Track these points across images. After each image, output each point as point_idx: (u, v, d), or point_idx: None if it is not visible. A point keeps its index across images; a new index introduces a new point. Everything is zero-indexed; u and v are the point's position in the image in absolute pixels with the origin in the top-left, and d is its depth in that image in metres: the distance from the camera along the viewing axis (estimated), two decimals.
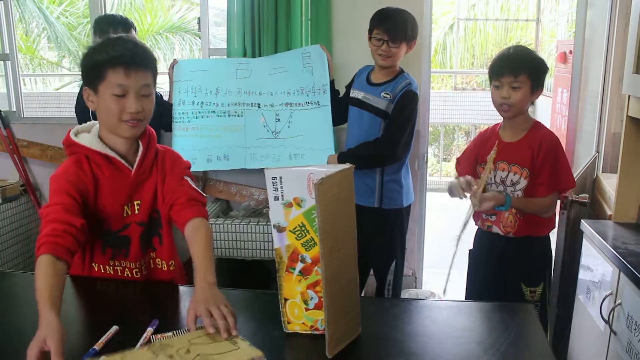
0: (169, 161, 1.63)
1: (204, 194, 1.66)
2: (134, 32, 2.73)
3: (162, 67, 2.98)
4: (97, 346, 1.28)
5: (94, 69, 1.47)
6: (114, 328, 1.36)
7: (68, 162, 1.54)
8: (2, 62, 3.78)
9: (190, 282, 2.95)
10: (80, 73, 1.53)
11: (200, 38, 3.46)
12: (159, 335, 1.33)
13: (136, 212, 1.60)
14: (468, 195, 2.03)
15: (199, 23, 3.39)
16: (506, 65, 2.00)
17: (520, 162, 2.06)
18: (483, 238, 2.23)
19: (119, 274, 1.65)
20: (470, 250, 2.31)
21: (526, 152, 2.04)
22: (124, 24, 2.71)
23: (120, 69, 1.44)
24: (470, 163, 2.21)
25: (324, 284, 1.21)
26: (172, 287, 1.70)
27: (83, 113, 2.66)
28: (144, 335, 1.33)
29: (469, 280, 2.32)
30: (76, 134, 1.57)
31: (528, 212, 2.06)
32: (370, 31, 2.45)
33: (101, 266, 1.64)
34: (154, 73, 1.53)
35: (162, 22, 8.11)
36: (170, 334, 1.34)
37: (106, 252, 1.63)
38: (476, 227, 2.28)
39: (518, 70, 1.97)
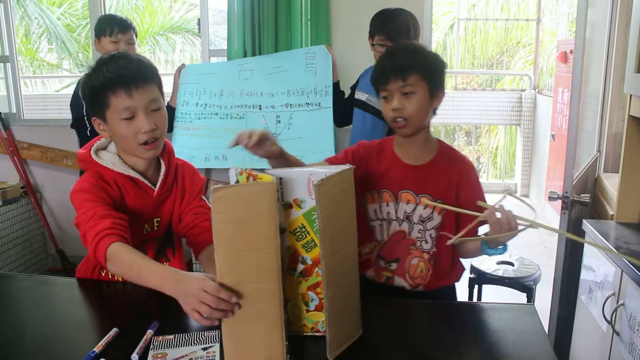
0: (189, 179, 1.62)
1: None
2: (133, 33, 2.72)
3: (163, 68, 2.99)
4: (97, 349, 1.28)
5: (95, 97, 1.42)
6: (114, 330, 1.35)
7: (89, 176, 1.48)
8: (2, 64, 3.79)
9: None
10: (80, 82, 1.52)
11: (200, 38, 3.46)
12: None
13: (155, 228, 1.58)
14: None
15: (198, 24, 3.39)
16: (391, 69, 1.51)
17: (433, 193, 1.57)
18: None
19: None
20: None
21: (439, 180, 1.58)
22: (122, 24, 2.70)
23: (122, 91, 1.38)
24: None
25: (325, 285, 1.20)
26: None
27: (77, 109, 2.65)
28: (144, 337, 1.32)
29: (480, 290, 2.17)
30: (96, 152, 1.51)
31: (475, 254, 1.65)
32: (372, 35, 2.42)
33: (110, 274, 1.62)
34: (159, 84, 1.48)
35: (162, 22, 8.11)
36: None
37: None
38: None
39: (406, 71, 1.50)
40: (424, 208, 1.58)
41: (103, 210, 1.39)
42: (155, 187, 1.52)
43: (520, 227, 1.36)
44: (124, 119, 1.40)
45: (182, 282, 1.21)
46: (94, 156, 1.50)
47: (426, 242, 1.60)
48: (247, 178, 1.22)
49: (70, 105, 2.76)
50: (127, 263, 1.32)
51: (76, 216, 1.43)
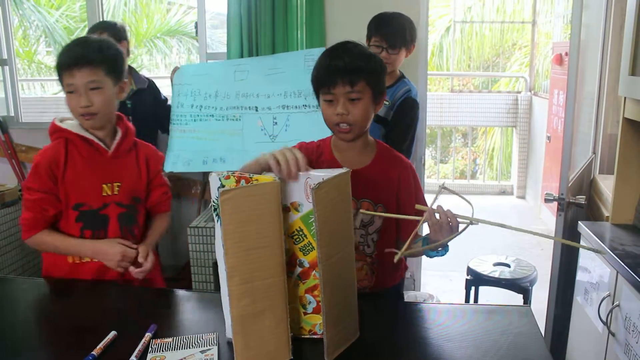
0: (152, 157, 1.88)
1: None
2: (125, 41, 2.72)
3: (162, 72, 2.99)
4: (96, 352, 1.28)
5: (57, 72, 1.67)
6: (112, 333, 1.36)
7: (50, 147, 1.74)
8: (0, 67, 3.78)
9: (188, 285, 2.95)
10: None
11: (197, 41, 3.46)
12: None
13: (115, 192, 1.75)
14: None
15: (196, 27, 3.39)
16: (339, 73, 1.45)
17: (374, 197, 1.56)
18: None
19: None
20: None
21: (379, 183, 1.57)
22: (112, 29, 2.69)
23: (67, 70, 1.63)
24: None
25: (322, 288, 1.22)
26: (171, 292, 1.70)
27: None
28: (142, 340, 1.33)
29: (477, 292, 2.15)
30: (61, 121, 1.75)
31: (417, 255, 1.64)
32: (369, 38, 2.44)
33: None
34: (109, 66, 1.68)
35: (159, 25, 8.11)
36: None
37: (85, 235, 1.73)
38: None
39: (355, 77, 1.45)
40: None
41: (34, 195, 1.69)
42: (110, 149, 1.75)
43: (461, 226, 1.33)
44: (68, 92, 1.66)
45: (105, 255, 1.69)
46: (58, 123, 1.74)
47: (368, 247, 1.59)
48: (238, 181, 1.24)
49: None
50: (51, 247, 1.73)
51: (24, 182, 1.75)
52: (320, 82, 1.51)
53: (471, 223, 1.31)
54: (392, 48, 2.37)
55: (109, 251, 1.68)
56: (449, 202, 1.36)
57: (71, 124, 1.73)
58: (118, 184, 1.75)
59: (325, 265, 1.21)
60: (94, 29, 2.71)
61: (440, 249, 1.44)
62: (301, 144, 1.67)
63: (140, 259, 1.73)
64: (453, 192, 1.39)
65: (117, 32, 2.70)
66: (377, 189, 1.56)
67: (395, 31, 2.37)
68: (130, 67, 2.85)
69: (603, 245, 1.88)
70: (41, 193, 1.69)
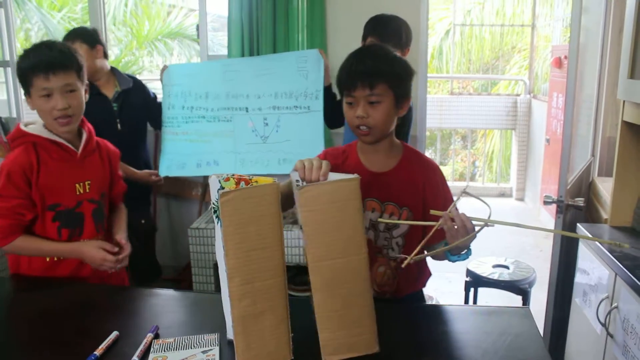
0: (112, 152, 1.98)
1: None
2: (100, 45, 2.70)
3: (153, 74, 2.97)
4: (98, 352, 1.29)
5: (22, 77, 1.71)
6: (115, 334, 1.37)
7: (18, 154, 1.73)
8: (2, 69, 3.79)
9: (189, 286, 2.95)
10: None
11: (198, 43, 3.47)
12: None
13: (87, 190, 1.83)
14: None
15: (197, 30, 3.40)
16: (358, 75, 1.46)
17: (399, 201, 1.56)
18: None
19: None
20: None
21: (405, 186, 1.56)
22: (87, 35, 2.67)
23: (41, 74, 1.66)
24: None
25: (312, 289, 1.24)
26: (172, 293, 1.71)
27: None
28: (144, 340, 1.34)
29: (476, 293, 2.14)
30: (25, 126, 1.77)
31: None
32: (364, 39, 2.45)
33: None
34: (77, 70, 1.73)
35: (160, 28, 8.11)
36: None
37: (62, 233, 1.79)
38: None
39: (374, 79, 1.45)
40: (390, 216, 1.56)
41: (8, 202, 1.71)
42: (78, 150, 1.80)
43: (477, 228, 1.34)
44: (42, 96, 1.68)
45: (91, 259, 1.76)
46: (24, 128, 1.75)
47: (392, 250, 1.58)
48: (238, 183, 1.25)
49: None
50: (34, 251, 1.78)
51: None
52: (342, 84, 1.52)
53: (486, 225, 1.31)
54: None
55: (96, 256, 1.74)
56: (465, 205, 1.38)
57: (36, 129, 1.75)
58: (89, 182, 1.83)
59: (314, 267, 1.23)
60: (69, 36, 2.67)
61: (462, 252, 1.45)
62: (327, 151, 1.68)
63: (123, 242, 1.84)
64: (473, 196, 1.39)
65: (91, 37, 2.68)
66: (402, 192, 1.55)
67: (392, 32, 2.38)
68: (113, 68, 2.81)
69: (601, 247, 1.89)
70: (18, 199, 1.71)
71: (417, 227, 1.56)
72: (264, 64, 2.96)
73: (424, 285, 1.72)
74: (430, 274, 1.72)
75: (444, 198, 1.57)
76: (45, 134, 1.74)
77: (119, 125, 2.72)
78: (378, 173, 1.56)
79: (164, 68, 3.01)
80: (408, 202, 1.54)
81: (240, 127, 2.93)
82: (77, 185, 1.80)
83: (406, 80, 1.52)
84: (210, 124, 2.95)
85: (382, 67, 1.47)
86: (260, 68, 2.94)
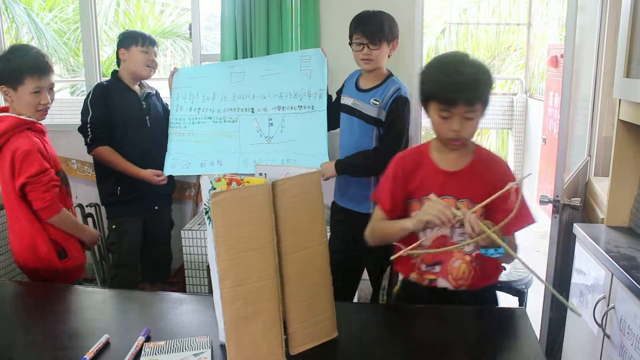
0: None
1: None
2: (157, 49, 2.90)
3: (156, 73, 2.98)
4: (88, 355, 1.27)
5: (13, 74, 2.02)
6: (105, 336, 1.35)
7: (28, 136, 2.03)
8: None
9: (183, 288, 2.94)
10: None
11: (191, 43, 3.45)
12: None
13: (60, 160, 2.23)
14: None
15: (190, 29, 3.39)
16: (462, 95, 1.50)
17: (472, 197, 1.60)
18: (419, 296, 1.68)
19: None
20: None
21: (477, 184, 1.62)
22: (152, 39, 2.88)
23: (35, 75, 2.03)
24: (399, 198, 1.68)
25: (283, 282, 1.25)
26: (164, 295, 1.69)
27: (84, 115, 2.76)
28: (135, 343, 1.32)
29: None
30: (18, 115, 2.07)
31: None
32: (350, 37, 2.45)
33: (71, 209, 2.24)
34: (52, 71, 2.12)
35: (153, 27, 8.08)
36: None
37: (67, 191, 2.21)
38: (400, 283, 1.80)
39: (474, 99, 1.52)
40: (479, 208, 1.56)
41: (49, 175, 2.04)
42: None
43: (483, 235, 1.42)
44: (32, 93, 2.04)
45: (91, 236, 2.28)
46: (21, 116, 2.04)
47: (468, 245, 1.58)
48: (229, 183, 1.24)
49: (81, 111, 2.79)
50: (71, 224, 2.15)
51: (28, 173, 1.99)
52: (437, 98, 1.54)
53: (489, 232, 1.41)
54: (373, 44, 2.37)
55: (94, 234, 2.30)
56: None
57: (22, 116, 2.08)
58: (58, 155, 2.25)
59: (286, 259, 1.24)
60: (138, 34, 2.84)
61: (492, 248, 1.50)
62: (403, 154, 1.76)
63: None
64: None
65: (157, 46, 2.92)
66: (475, 190, 1.60)
67: (375, 27, 2.37)
68: None
69: (598, 247, 1.88)
70: (52, 169, 2.06)
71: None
72: (269, 64, 2.97)
73: (497, 280, 1.75)
74: (503, 269, 1.76)
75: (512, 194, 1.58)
76: (29, 119, 2.07)
77: (148, 122, 2.87)
78: (451, 172, 1.64)
79: (174, 71, 3.09)
80: (481, 199, 1.52)
81: (245, 128, 2.95)
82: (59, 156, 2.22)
83: (491, 88, 1.59)
84: (216, 124, 2.99)
85: (481, 88, 1.53)
86: (265, 68, 2.96)
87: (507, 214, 1.44)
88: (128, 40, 2.79)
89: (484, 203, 1.49)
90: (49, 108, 2.12)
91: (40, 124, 2.12)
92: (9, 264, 3.52)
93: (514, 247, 1.57)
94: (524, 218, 1.58)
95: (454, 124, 1.53)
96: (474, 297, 1.64)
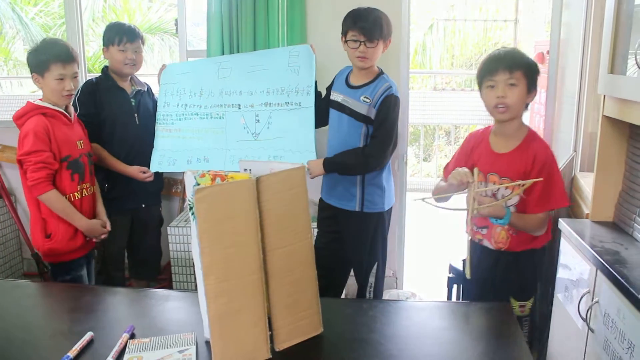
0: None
1: None
2: (140, 42, 2.83)
3: (143, 69, 2.95)
4: (72, 353, 1.26)
5: (41, 62, 2.25)
6: (89, 334, 1.34)
7: (34, 122, 2.23)
8: None
9: (169, 285, 2.92)
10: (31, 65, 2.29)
11: (178, 38, 3.43)
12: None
13: (82, 146, 2.41)
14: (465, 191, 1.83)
15: (176, 24, 3.36)
16: (501, 62, 1.87)
17: (513, 177, 1.90)
18: (473, 249, 1.99)
19: (82, 195, 2.39)
20: (464, 260, 2.13)
21: (519, 165, 1.91)
22: (130, 34, 2.79)
23: (59, 63, 2.24)
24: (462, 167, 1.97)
25: (268, 277, 1.25)
26: (149, 292, 1.68)
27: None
28: (120, 341, 1.31)
29: (459, 289, 2.30)
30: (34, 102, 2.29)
31: (520, 229, 1.94)
32: (345, 33, 2.42)
33: (72, 195, 2.34)
34: (78, 62, 2.35)
35: (140, 22, 8.02)
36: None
37: (74, 178, 2.34)
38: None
39: (514, 66, 1.86)
40: (505, 188, 1.92)
41: (41, 156, 2.19)
42: (71, 117, 2.39)
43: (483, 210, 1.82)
44: (57, 79, 2.25)
45: (93, 231, 2.37)
46: (36, 102, 2.27)
47: (474, 211, 1.82)
48: (213, 179, 1.23)
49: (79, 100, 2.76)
50: (59, 207, 2.26)
51: (21, 151, 2.20)
52: (485, 70, 1.91)
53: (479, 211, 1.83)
54: (370, 41, 2.35)
55: (97, 229, 2.37)
56: None
57: (42, 103, 2.29)
58: (81, 140, 2.41)
59: (271, 255, 1.24)
60: (114, 32, 2.78)
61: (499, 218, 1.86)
62: (474, 133, 2.15)
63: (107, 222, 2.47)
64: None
65: (141, 38, 2.85)
66: (514, 171, 1.91)
67: (373, 24, 2.35)
68: None
69: (583, 242, 1.90)
70: (46, 152, 2.21)
71: (524, 201, 1.93)
72: (256, 60, 2.94)
73: (540, 246, 2.02)
74: (549, 238, 2.04)
75: (550, 186, 1.89)
76: (50, 105, 2.28)
77: (137, 120, 2.84)
78: (499, 154, 1.97)
79: (163, 67, 3.05)
80: (519, 178, 1.87)
81: (232, 124, 2.92)
82: (77, 142, 2.37)
83: (536, 73, 1.91)
84: (203, 121, 2.96)
85: (518, 58, 1.89)
86: (252, 64, 2.93)
87: (541, 193, 1.86)
88: (107, 38, 2.76)
89: (502, 186, 1.90)
90: (72, 95, 2.34)
91: (60, 110, 2.30)
92: (6, 253, 3.49)
93: (538, 225, 1.92)
94: (555, 199, 1.90)
95: (498, 90, 1.87)
96: (513, 258, 1.99)
